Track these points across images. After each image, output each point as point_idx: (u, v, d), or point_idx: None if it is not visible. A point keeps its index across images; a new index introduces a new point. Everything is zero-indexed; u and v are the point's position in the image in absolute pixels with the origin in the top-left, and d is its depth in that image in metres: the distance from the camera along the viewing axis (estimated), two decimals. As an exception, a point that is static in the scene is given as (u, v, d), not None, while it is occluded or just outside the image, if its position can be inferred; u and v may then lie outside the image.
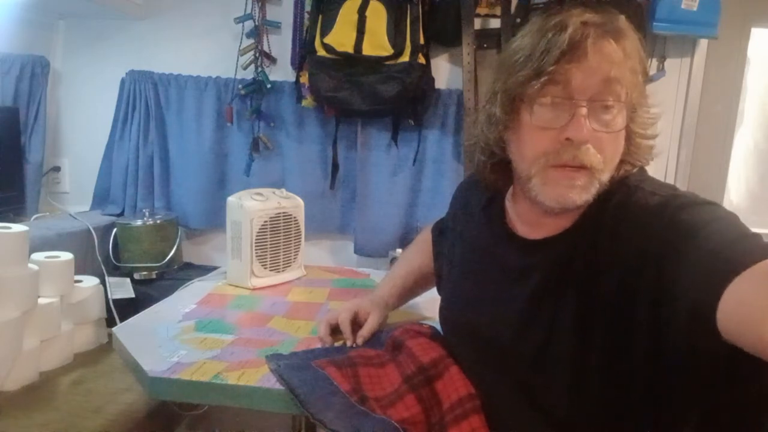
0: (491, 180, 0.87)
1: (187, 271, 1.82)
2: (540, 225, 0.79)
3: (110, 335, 1.38)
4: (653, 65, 1.73)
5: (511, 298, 0.79)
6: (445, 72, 1.80)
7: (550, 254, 0.76)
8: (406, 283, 1.15)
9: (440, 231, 1.10)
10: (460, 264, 0.94)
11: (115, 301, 1.57)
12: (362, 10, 1.60)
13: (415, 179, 1.81)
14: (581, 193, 0.70)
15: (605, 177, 0.71)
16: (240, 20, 1.79)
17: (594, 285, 0.69)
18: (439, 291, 1.06)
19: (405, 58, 1.60)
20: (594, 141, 0.68)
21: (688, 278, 0.59)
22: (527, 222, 0.82)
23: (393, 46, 1.59)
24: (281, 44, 1.84)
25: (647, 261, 0.64)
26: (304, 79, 1.71)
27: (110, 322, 1.50)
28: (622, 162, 0.75)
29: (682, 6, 1.59)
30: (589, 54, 0.67)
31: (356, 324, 1.06)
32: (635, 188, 0.72)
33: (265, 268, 1.44)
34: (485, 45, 1.69)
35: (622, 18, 0.71)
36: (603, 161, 0.69)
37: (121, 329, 1.11)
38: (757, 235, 0.59)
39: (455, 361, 0.88)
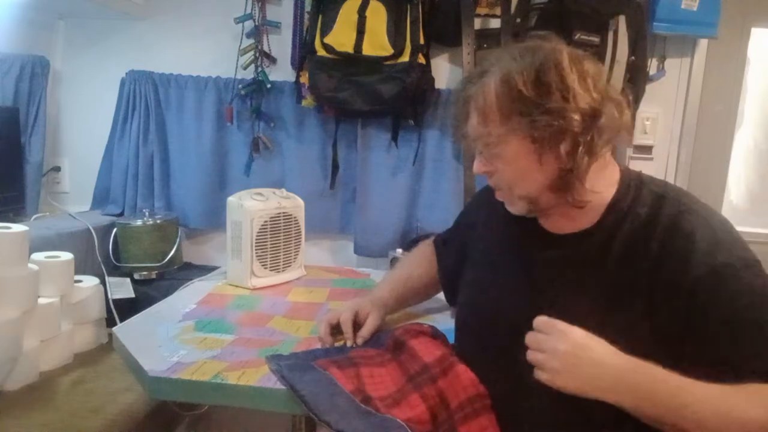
0: None
1: (187, 271, 1.82)
2: (566, 219, 0.85)
3: (110, 335, 1.38)
4: (653, 65, 1.73)
5: (541, 290, 0.84)
6: (445, 72, 1.80)
7: (577, 248, 0.82)
8: (405, 288, 1.17)
9: (444, 242, 1.16)
10: (489, 261, 0.97)
11: (115, 301, 1.57)
12: (362, 10, 1.60)
13: (415, 179, 1.81)
14: (509, 205, 0.87)
15: (524, 192, 0.83)
16: (240, 20, 1.79)
17: (620, 284, 0.77)
18: (454, 296, 1.08)
19: (405, 58, 1.60)
20: (491, 173, 0.85)
21: (709, 347, 0.72)
22: (555, 215, 0.86)
23: (393, 46, 1.59)
24: (281, 44, 1.84)
25: (679, 295, 0.74)
26: (304, 79, 1.71)
27: (110, 322, 1.50)
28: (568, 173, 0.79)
29: (682, 6, 1.59)
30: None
31: (356, 324, 1.06)
32: (677, 208, 0.78)
33: (266, 268, 1.44)
34: (485, 45, 1.69)
35: (494, 84, 0.79)
36: (508, 185, 0.84)
37: (121, 329, 1.11)
38: None
39: (461, 359, 0.88)
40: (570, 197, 0.80)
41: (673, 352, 0.72)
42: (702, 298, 0.73)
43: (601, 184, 0.81)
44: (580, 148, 0.76)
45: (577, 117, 0.74)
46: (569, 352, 0.71)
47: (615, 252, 0.79)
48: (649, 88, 1.68)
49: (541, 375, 0.72)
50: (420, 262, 1.20)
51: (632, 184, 0.83)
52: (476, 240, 1.02)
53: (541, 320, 0.76)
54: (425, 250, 1.21)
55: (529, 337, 0.75)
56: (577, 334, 0.73)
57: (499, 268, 0.94)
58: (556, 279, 0.84)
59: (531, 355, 0.74)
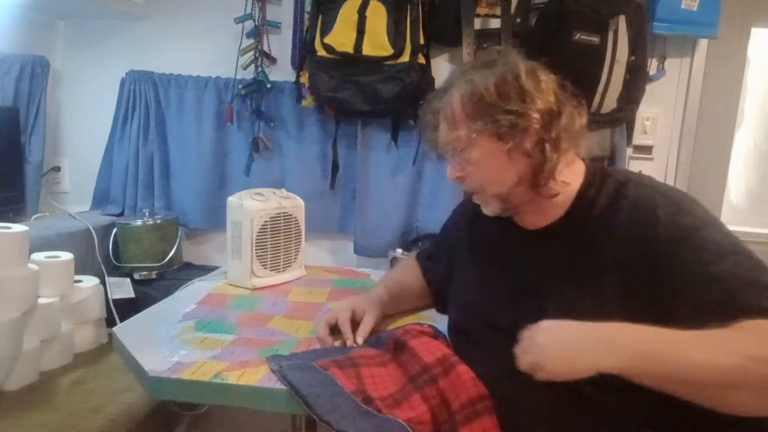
0: None
1: (187, 271, 1.82)
2: (538, 214, 0.89)
3: (110, 335, 1.38)
4: (653, 65, 1.73)
5: (521, 287, 0.89)
6: (445, 72, 1.79)
7: (551, 241, 0.87)
8: (400, 287, 1.19)
9: (428, 256, 1.21)
10: (474, 262, 1.00)
11: (115, 301, 1.57)
12: (362, 10, 1.60)
13: (415, 179, 1.81)
14: (484, 207, 0.93)
15: (496, 190, 0.88)
16: (240, 20, 1.79)
17: (595, 273, 0.80)
18: (444, 306, 1.11)
19: (405, 58, 1.60)
20: (463, 177, 0.90)
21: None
22: (528, 211, 0.91)
23: (393, 46, 1.59)
24: (281, 44, 1.84)
25: (644, 264, 0.76)
26: (304, 79, 1.71)
27: (110, 322, 1.50)
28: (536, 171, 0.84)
29: (682, 6, 1.59)
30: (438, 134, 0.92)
31: (353, 323, 1.06)
32: (637, 189, 0.82)
33: (266, 268, 1.44)
34: (485, 45, 1.69)
35: (458, 94, 0.86)
36: (481, 185, 0.89)
37: (121, 329, 1.11)
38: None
39: (461, 360, 0.89)
40: (542, 190, 0.85)
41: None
42: (666, 264, 0.74)
43: (569, 177, 0.86)
44: (547, 144, 0.82)
45: (536, 116, 0.81)
46: (547, 338, 0.72)
47: (586, 241, 0.83)
48: (649, 88, 1.68)
49: (539, 375, 0.72)
50: (407, 268, 1.25)
51: (597, 176, 0.87)
52: (461, 245, 1.05)
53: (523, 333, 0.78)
54: (411, 262, 1.26)
55: (517, 349, 0.77)
56: (548, 321, 0.75)
57: (482, 268, 0.98)
58: (534, 275, 0.88)
59: (521, 362, 0.75)
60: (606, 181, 0.86)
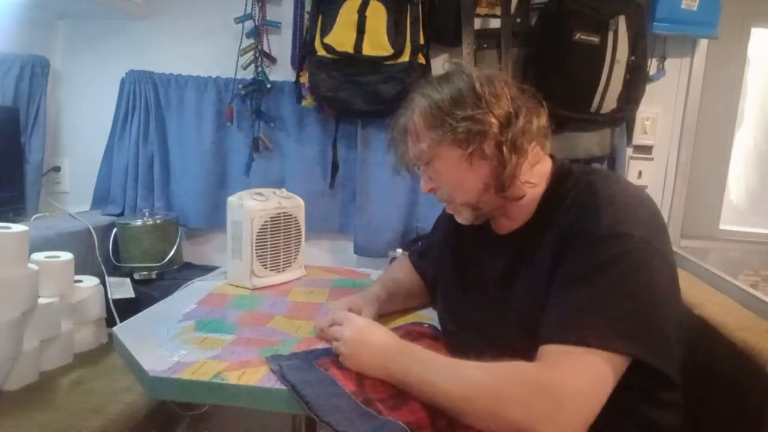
0: None
1: (187, 271, 1.82)
2: (508, 219, 0.92)
3: (110, 335, 1.38)
4: (653, 65, 1.73)
5: (490, 292, 0.91)
6: (445, 72, 1.80)
7: (518, 245, 0.88)
8: (395, 285, 1.20)
9: (419, 255, 1.23)
10: (454, 263, 1.02)
11: (115, 301, 1.57)
12: (362, 10, 1.60)
13: (415, 179, 1.80)
14: (457, 216, 0.95)
15: (464, 199, 0.90)
16: (240, 20, 1.79)
17: (542, 271, 0.82)
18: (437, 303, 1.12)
19: (405, 58, 1.60)
20: (434, 189, 0.94)
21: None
22: (499, 216, 0.93)
23: (393, 46, 1.59)
24: (281, 44, 1.84)
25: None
26: (304, 79, 1.71)
27: (110, 322, 1.51)
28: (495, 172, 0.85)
29: (682, 6, 1.59)
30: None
31: None
32: (583, 188, 0.82)
33: (266, 268, 1.44)
34: (485, 45, 1.69)
35: (418, 109, 0.91)
36: (450, 195, 0.92)
37: (121, 329, 1.11)
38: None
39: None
40: (509, 193, 0.86)
41: None
42: (560, 259, 0.77)
43: (534, 178, 0.87)
44: (505, 146, 0.83)
45: (493, 120, 0.83)
46: (353, 337, 0.87)
47: (539, 243, 0.83)
48: (649, 88, 1.68)
49: (342, 361, 0.87)
50: (402, 267, 1.26)
51: (561, 176, 0.88)
52: (448, 244, 1.07)
53: (337, 314, 0.94)
54: (405, 261, 1.27)
55: (332, 330, 0.91)
56: (361, 321, 0.90)
57: (461, 270, 1.00)
58: (496, 280, 0.90)
59: (333, 345, 0.90)
60: (566, 181, 0.86)
